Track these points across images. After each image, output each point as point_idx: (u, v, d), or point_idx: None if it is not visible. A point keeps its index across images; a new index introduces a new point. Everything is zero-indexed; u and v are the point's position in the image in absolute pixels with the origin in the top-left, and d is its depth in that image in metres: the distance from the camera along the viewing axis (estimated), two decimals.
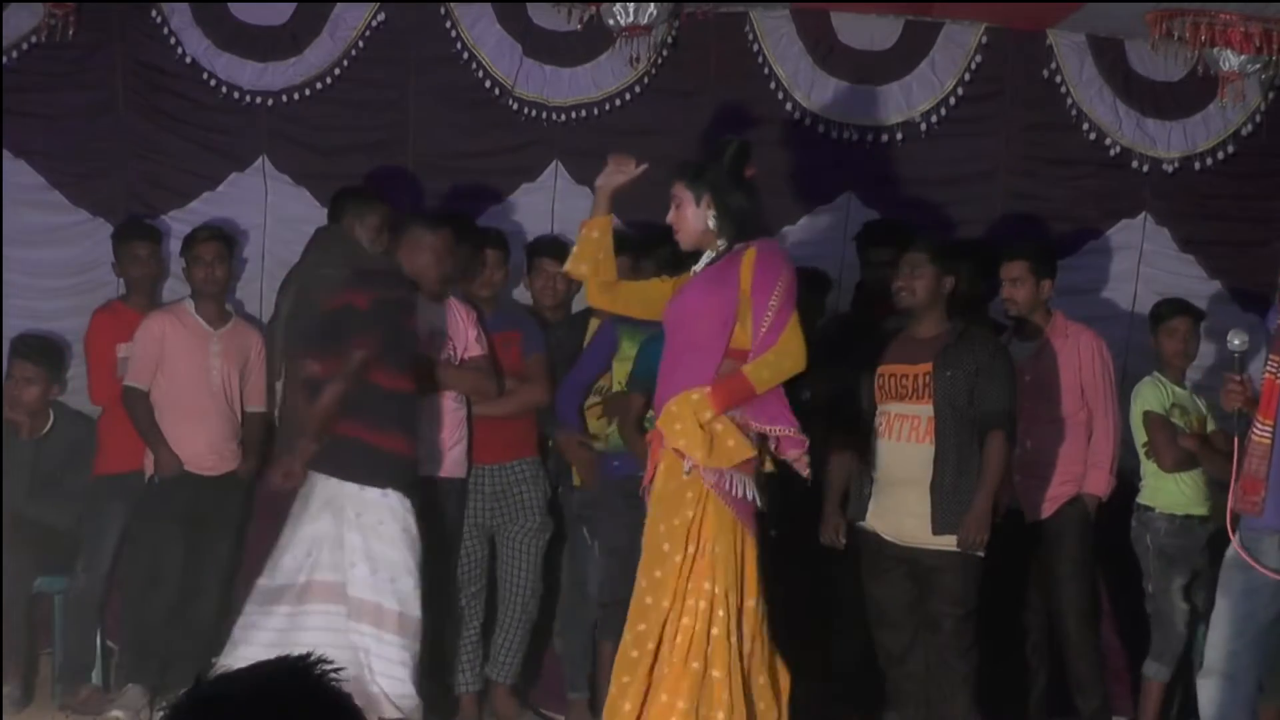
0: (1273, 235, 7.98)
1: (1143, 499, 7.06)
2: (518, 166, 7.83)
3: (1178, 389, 7.13)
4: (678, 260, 6.15)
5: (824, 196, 7.92)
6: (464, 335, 7.01)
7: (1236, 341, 5.64)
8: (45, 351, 7.40)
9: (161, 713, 5.47)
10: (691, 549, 5.68)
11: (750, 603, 5.72)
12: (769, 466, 5.81)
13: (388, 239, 6.94)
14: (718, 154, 5.87)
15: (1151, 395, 7.09)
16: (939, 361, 6.36)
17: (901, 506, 6.39)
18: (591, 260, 6.00)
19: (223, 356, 7.23)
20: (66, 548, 7.36)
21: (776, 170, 7.87)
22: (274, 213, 7.73)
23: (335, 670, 1.98)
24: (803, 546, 6.73)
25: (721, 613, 5.65)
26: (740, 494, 5.68)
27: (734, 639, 5.66)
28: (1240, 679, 5.61)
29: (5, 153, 7.54)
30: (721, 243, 5.80)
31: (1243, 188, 7.98)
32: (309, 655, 2.00)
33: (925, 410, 6.34)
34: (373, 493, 6.43)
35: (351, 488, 6.43)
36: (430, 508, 6.88)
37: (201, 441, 7.17)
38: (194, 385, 7.18)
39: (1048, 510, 6.97)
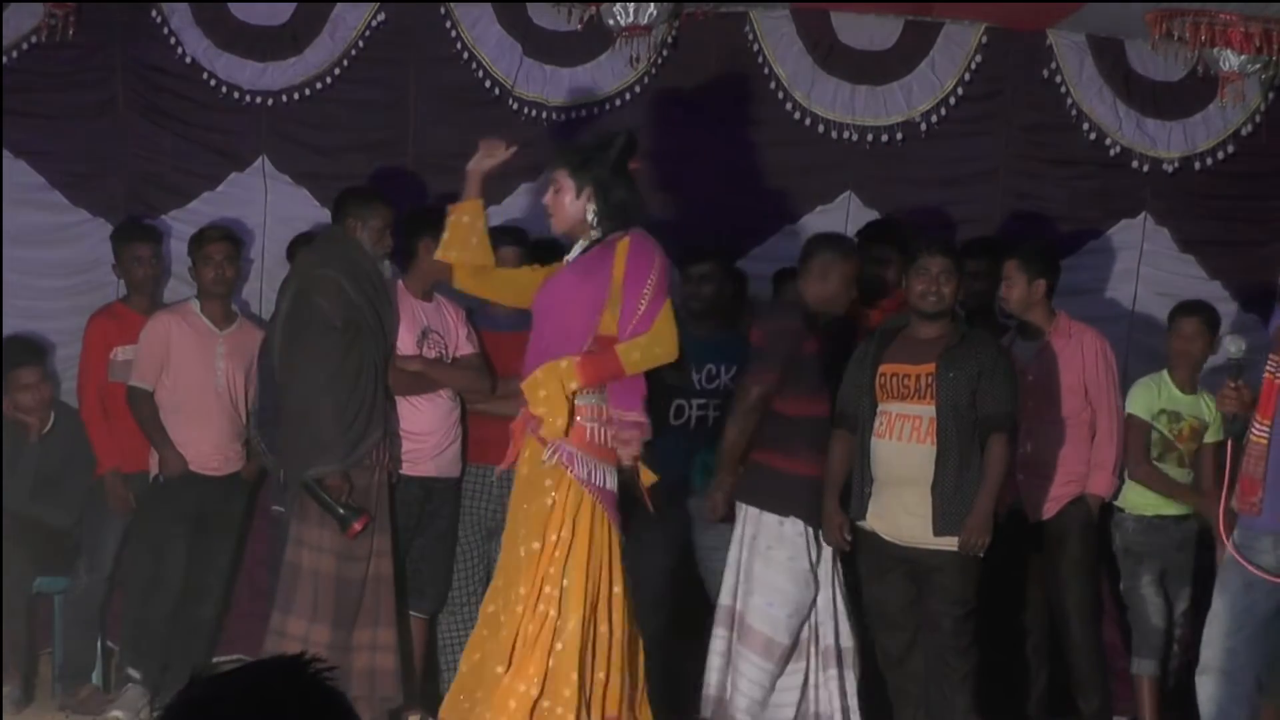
0: (1273, 235, 7.97)
1: (1116, 500, 7.07)
2: (518, 166, 7.80)
3: (1179, 393, 7.11)
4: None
5: (824, 196, 7.92)
6: (454, 333, 7.02)
7: (1234, 349, 5.65)
8: (41, 351, 7.41)
9: (159, 713, 5.47)
10: (553, 536, 5.71)
11: (616, 589, 5.77)
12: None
13: (390, 241, 6.94)
14: (605, 146, 5.88)
15: (1139, 398, 7.08)
16: (942, 363, 6.35)
17: (901, 506, 6.38)
18: (463, 245, 6.01)
19: (228, 357, 7.23)
20: (66, 548, 7.36)
21: (776, 170, 7.89)
22: (274, 213, 7.73)
23: (328, 670, 1.99)
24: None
25: (578, 599, 5.66)
26: (602, 482, 5.74)
27: (592, 627, 5.69)
28: (1238, 676, 5.61)
29: (5, 153, 7.54)
30: (596, 233, 5.83)
31: (1243, 188, 7.98)
32: (302, 654, 2.01)
33: (927, 411, 6.34)
34: (771, 518, 6.46)
35: (755, 512, 6.48)
36: (424, 507, 6.90)
37: (207, 442, 7.17)
38: (200, 386, 7.18)
39: (1050, 510, 6.97)
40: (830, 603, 6.54)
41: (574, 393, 5.72)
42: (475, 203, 6.06)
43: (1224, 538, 5.62)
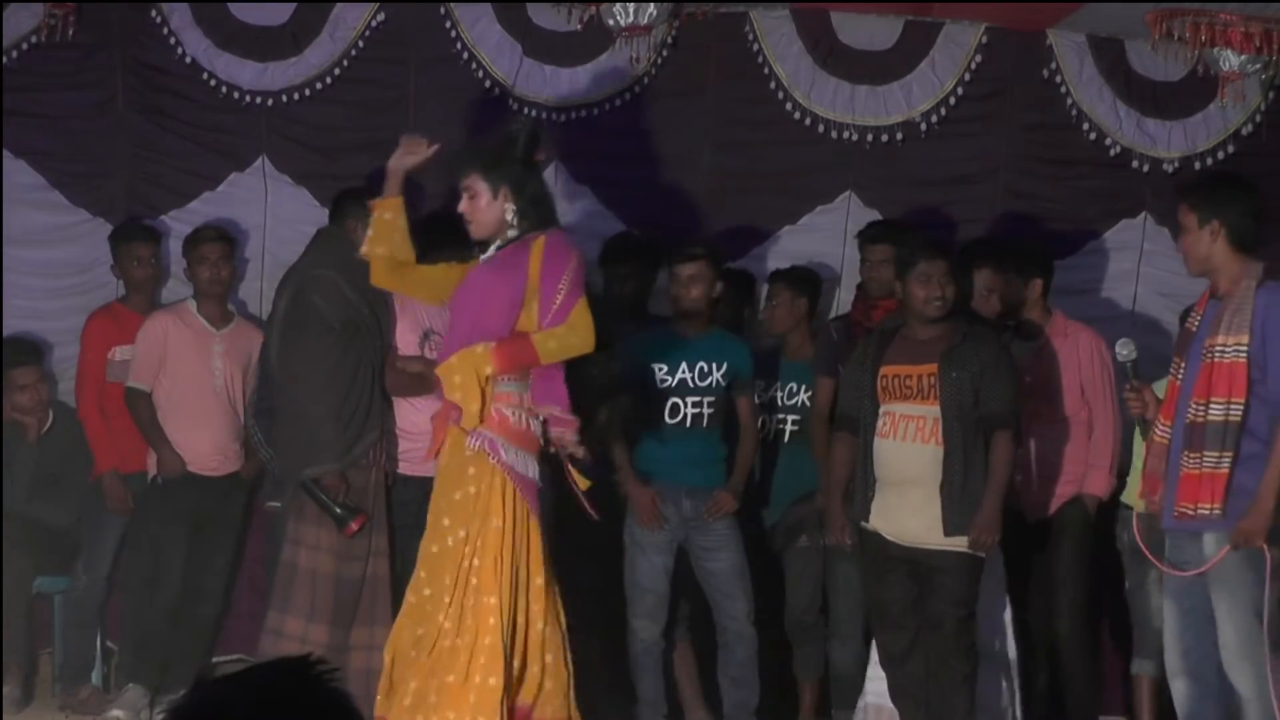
0: (1273, 235, 7.97)
1: (1124, 497, 7.07)
2: None
3: None
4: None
5: (824, 196, 7.92)
6: None
7: (1124, 352, 5.66)
8: (39, 351, 7.41)
9: (162, 713, 5.50)
10: (476, 525, 5.71)
11: (538, 580, 5.77)
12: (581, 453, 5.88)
13: None
14: (511, 142, 5.86)
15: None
16: (944, 363, 6.34)
17: (905, 507, 6.37)
18: (387, 242, 6.02)
19: (225, 357, 7.22)
20: (66, 548, 7.36)
21: (776, 170, 7.88)
22: (274, 213, 7.73)
23: (332, 671, 1.99)
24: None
25: (498, 589, 5.66)
26: (523, 470, 5.74)
27: (513, 616, 5.68)
28: (1200, 673, 5.64)
29: (5, 153, 7.54)
30: (514, 232, 5.83)
31: None
32: (308, 656, 2.01)
33: (931, 411, 6.33)
34: None
35: None
36: (423, 506, 6.90)
37: (206, 442, 7.17)
38: (198, 386, 7.18)
39: (1048, 510, 6.97)
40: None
41: (488, 379, 5.73)
42: (396, 200, 6.07)
43: (1137, 531, 5.71)
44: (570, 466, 5.91)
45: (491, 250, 5.88)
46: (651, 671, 6.85)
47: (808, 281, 7.35)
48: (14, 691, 7.17)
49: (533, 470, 5.78)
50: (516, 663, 5.72)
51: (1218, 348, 5.46)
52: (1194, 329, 5.60)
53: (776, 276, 7.39)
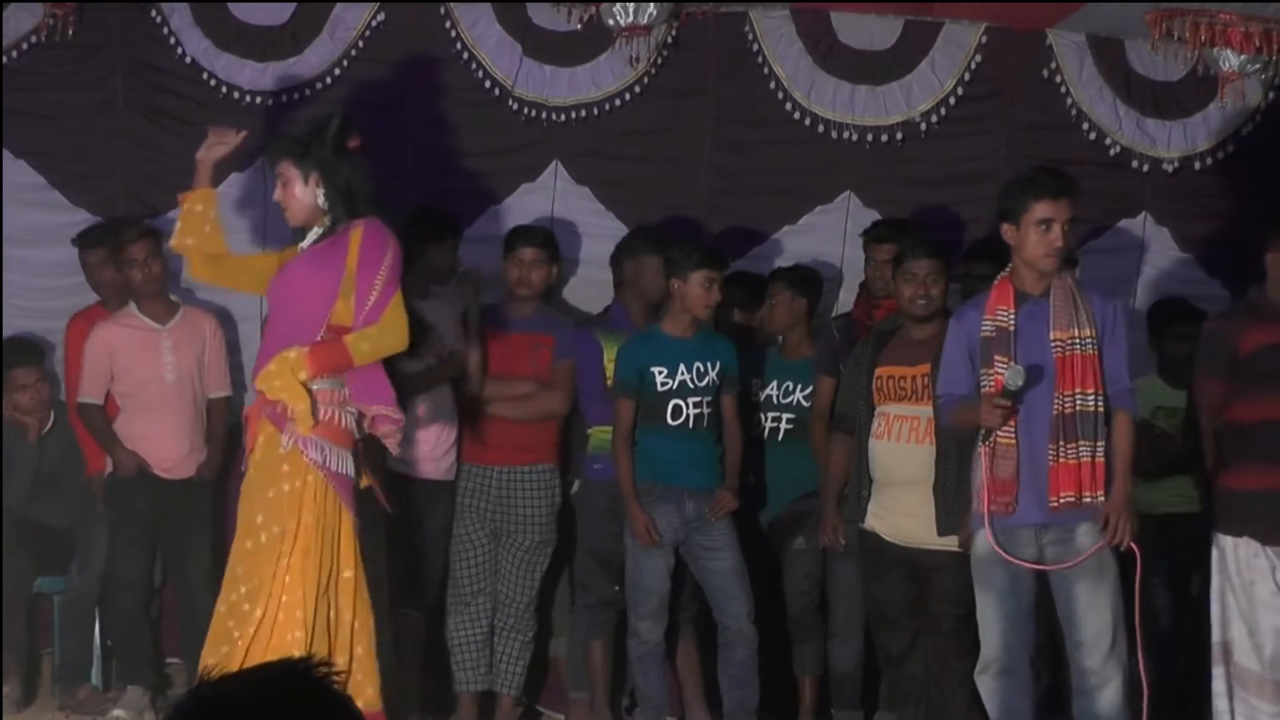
0: (1273, 236, 7.96)
1: None
2: (518, 166, 7.83)
3: (1172, 390, 7.14)
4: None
5: (824, 196, 7.92)
6: (451, 331, 7.01)
7: (1016, 381, 5.67)
8: (38, 352, 7.41)
9: (163, 713, 5.50)
10: (291, 523, 5.74)
11: (347, 574, 5.81)
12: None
13: None
14: (321, 129, 5.92)
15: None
16: (937, 363, 6.36)
17: (901, 507, 6.39)
18: (197, 233, 6.06)
19: (175, 351, 7.21)
20: (66, 548, 7.36)
21: (776, 170, 7.88)
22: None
23: (335, 673, 1.99)
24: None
25: (304, 585, 5.69)
26: (337, 468, 5.78)
27: (322, 610, 5.73)
28: (1015, 668, 5.82)
29: (5, 153, 7.54)
30: (329, 219, 5.87)
31: (1243, 188, 7.98)
32: (309, 657, 2.01)
33: (924, 411, 6.35)
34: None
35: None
36: (419, 508, 6.90)
37: (168, 435, 7.15)
38: (155, 385, 7.17)
39: None
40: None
41: (305, 381, 5.76)
42: (208, 191, 6.14)
43: (990, 538, 5.76)
44: (362, 459, 5.93)
45: (309, 239, 5.94)
46: (655, 672, 6.85)
47: (808, 281, 7.36)
48: (14, 691, 7.17)
49: (347, 466, 5.82)
50: (327, 656, 5.73)
51: (1070, 341, 5.69)
52: (1010, 328, 5.76)
53: (777, 275, 7.39)
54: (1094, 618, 5.77)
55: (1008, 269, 5.95)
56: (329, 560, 5.77)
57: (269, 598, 5.72)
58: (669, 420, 6.78)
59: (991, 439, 5.74)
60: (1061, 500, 5.71)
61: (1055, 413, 5.70)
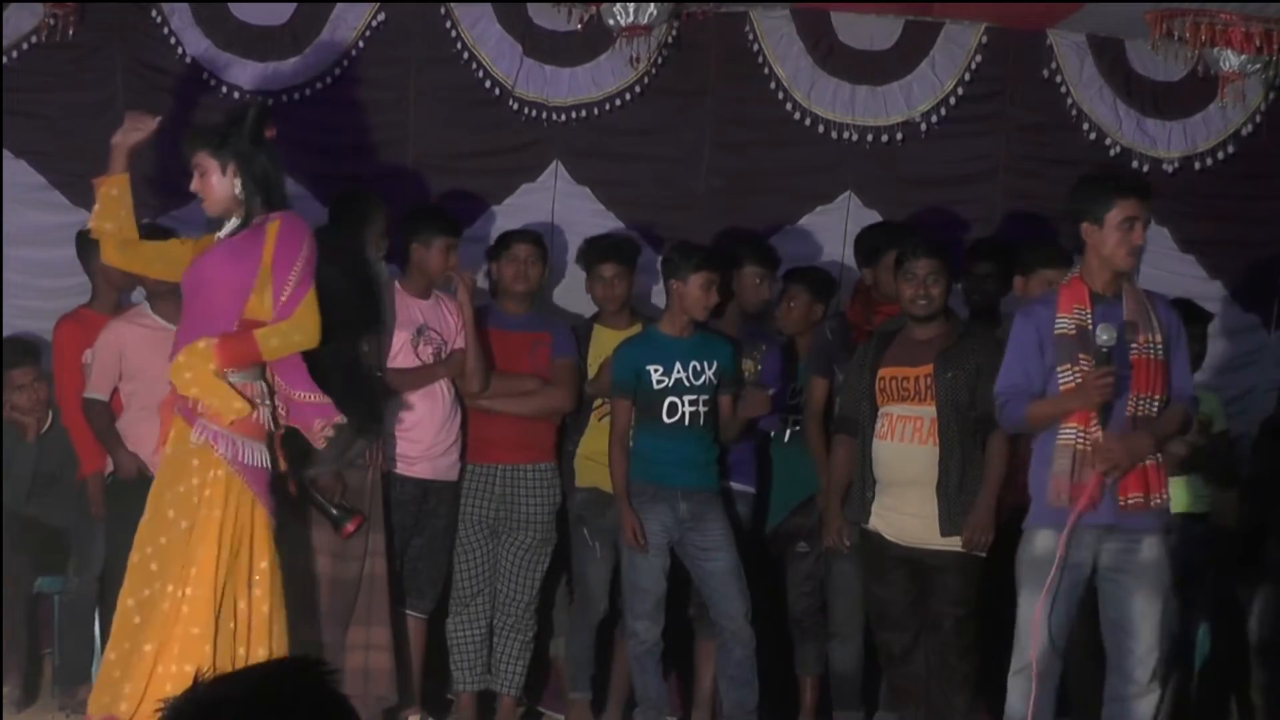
0: (1273, 235, 7.98)
1: None
2: (518, 166, 7.83)
3: None
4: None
5: (824, 196, 7.92)
6: (453, 330, 7.01)
7: (1105, 337, 5.63)
8: (35, 352, 7.40)
9: (164, 713, 5.44)
10: (201, 516, 5.74)
11: (263, 564, 5.82)
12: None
13: (387, 243, 6.93)
14: (238, 120, 5.95)
15: None
16: (939, 363, 6.37)
17: (904, 507, 6.39)
18: (114, 218, 6.07)
19: None
20: (66, 548, 7.36)
21: (776, 170, 7.88)
22: None
23: (331, 672, 1.99)
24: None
25: (214, 580, 5.70)
26: (250, 460, 5.78)
27: (234, 603, 5.73)
28: (1053, 672, 5.77)
29: (5, 153, 7.54)
30: (244, 210, 5.89)
31: (1243, 188, 7.99)
32: (306, 656, 2.01)
33: (928, 412, 6.35)
34: None
35: None
36: (421, 507, 6.90)
37: None
38: (161, 386, 7.14)
39: None
40: None
41: (215, 373, 5.76)
42: (122, 176, 6.13)
43: (1063, 540, 5.67)
44: (281, 451, 5.93)
45: (226, 230, 5.94)
46: (652, 672, 6.85)
47: (827, 285, 7.35)
48: (14, 691, 7.16)
49: (260, 458, 5.83)
50: (241, 648, 5.77)
51: (1146, 345, 5.66)
52: (1090, 326, 5.66)
53: (795, 277, 7.36)
54: (1148, 631, 5.71)
55: (1076, 268, 5.83)
56: (245, 554, 5.78)
57: (176, 593, 5.71)
58: (665, 418, 6.79)
59: (1088, 435, 5.64)
60: (1130, 501, 5.66)
61: (1129, 414, 5.64)
